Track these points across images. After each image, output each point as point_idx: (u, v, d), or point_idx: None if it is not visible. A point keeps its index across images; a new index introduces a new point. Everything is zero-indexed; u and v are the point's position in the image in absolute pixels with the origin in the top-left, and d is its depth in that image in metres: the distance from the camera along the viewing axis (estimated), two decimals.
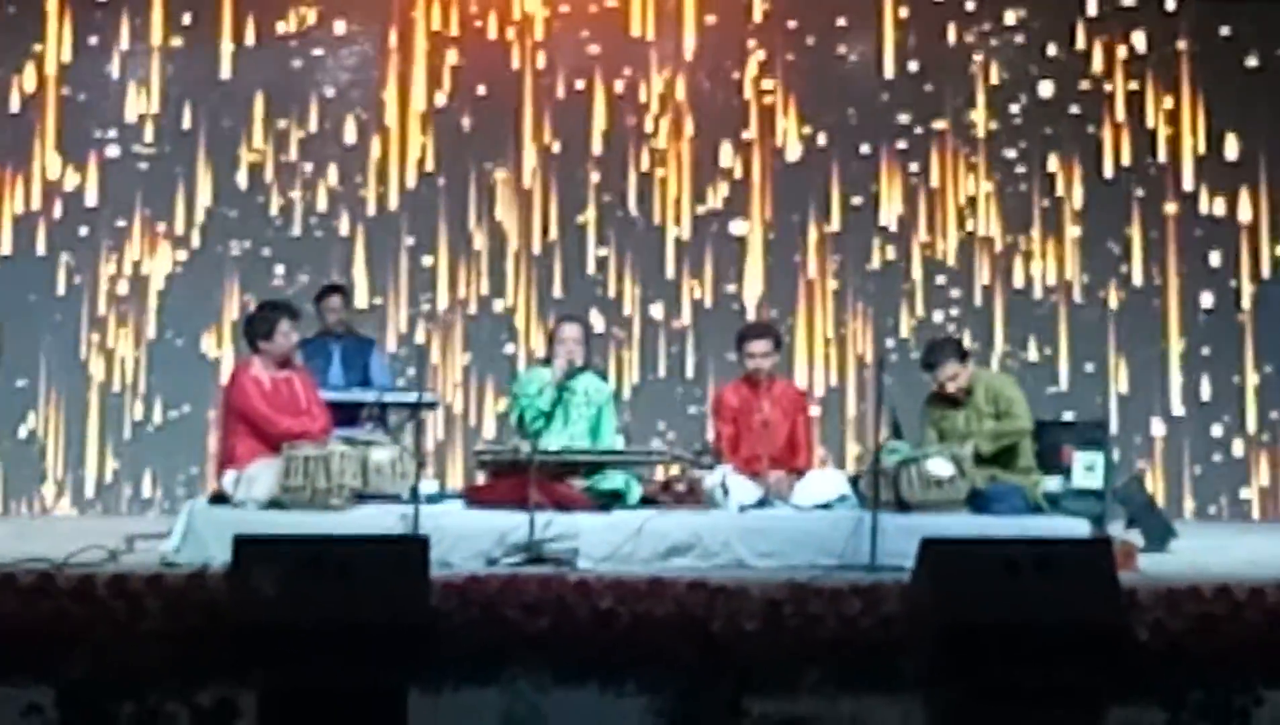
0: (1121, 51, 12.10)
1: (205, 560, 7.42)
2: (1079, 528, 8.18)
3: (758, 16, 12.04)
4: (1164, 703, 5.00)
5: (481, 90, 11.94)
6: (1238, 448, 11.99)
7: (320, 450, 8.27)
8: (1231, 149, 12.07)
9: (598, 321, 11.39)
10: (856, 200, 12.04)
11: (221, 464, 8.65)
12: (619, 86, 12.00)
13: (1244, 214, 12.07)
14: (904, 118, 12.06)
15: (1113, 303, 12.05)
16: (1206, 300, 12.03)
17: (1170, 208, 12.09)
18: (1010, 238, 12.09)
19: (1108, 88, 12.10)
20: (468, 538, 8.04)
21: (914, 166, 12.05)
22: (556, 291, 11.85)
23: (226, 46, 11.75)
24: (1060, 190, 12.08)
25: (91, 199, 11.68)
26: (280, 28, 11.83)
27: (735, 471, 8.64)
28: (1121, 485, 9.61)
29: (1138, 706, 5.09)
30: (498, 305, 11.87)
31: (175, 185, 11.72)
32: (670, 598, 6.39)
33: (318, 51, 11.88)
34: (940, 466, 8.37)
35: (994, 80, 12.12)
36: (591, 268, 11.93)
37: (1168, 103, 12.10)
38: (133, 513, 11.27)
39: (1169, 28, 12.12)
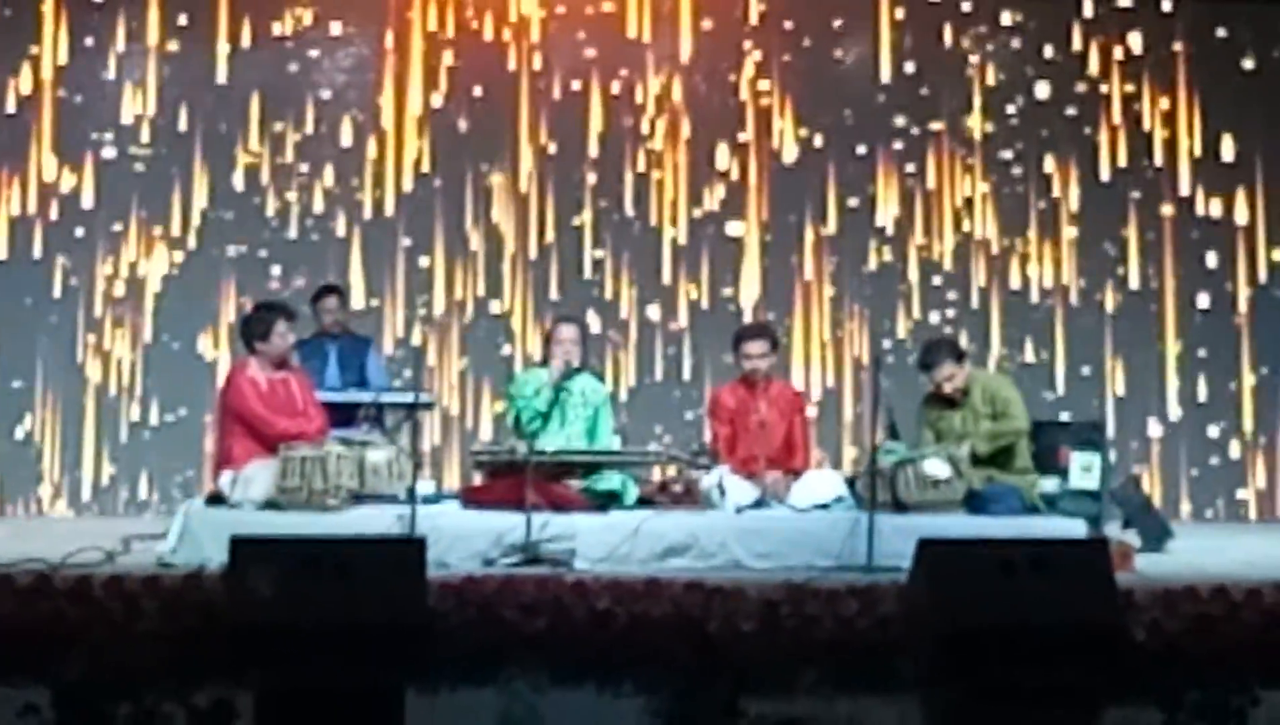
0: (1118, 53, 12.11)
1: (202, 561, 7.42)
2: (1076, 528, 8.19)
3: (754, 18, 12.04)
4: (1161, 703, 5.00)
5: (478, 91, 11.93)
6: (1234, 449, 12.00)
7: (317, 451, 8.27)
8: (1228, 150, 12.09)
9: (594, 323, 11.39)
10: (853, 202, 12.04)
11: (218, 465, 8.64)
12: (615, 88, 11.99)
13: (1240, 216, 12.08)
14: (900, 119, 12.06)
15: (1109, 305, 12.05)
16: (1203, 301, 12.04)
17: (1167, 210, 12.10)
18: (1007, 241, 12.09)
19: (1104, 89, 12.11)
20: (464, 538, 8.04)
21: (910, 167, 12.05)
22: (553, 294, 11.85)
23: (223, 48, 11.74)
24: (1057, 191, 12.09)
25: (88, 201, 11.66)
26: (276, 29, 11.82)
27: (732, 472, 8.65)
28: (1118, 486, 9.63)
29: (1134, 707, 5.10)
30: (494, 307, 11.86)
31: (171, 187, 11.71)
32: (667, 598, 6.39)
33: (314, 53, 11.87)
34: (937, 467, 8.37)
35: (990, 82, 12.12)
36: (588, 269, 11.93)
37: (1164, 104, 12.12)
38: (129, 515, 11.25)
39: (1165, 29, 12.13)
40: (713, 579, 6.87)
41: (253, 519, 7.93)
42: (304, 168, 11.80)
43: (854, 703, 5.25)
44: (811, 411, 10.82)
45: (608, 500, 8.48)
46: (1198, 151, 12.11)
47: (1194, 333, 12.06)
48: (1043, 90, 12.08)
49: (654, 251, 11.97)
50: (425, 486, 8.90)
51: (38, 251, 11.61)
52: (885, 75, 12.08)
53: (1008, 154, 12.11)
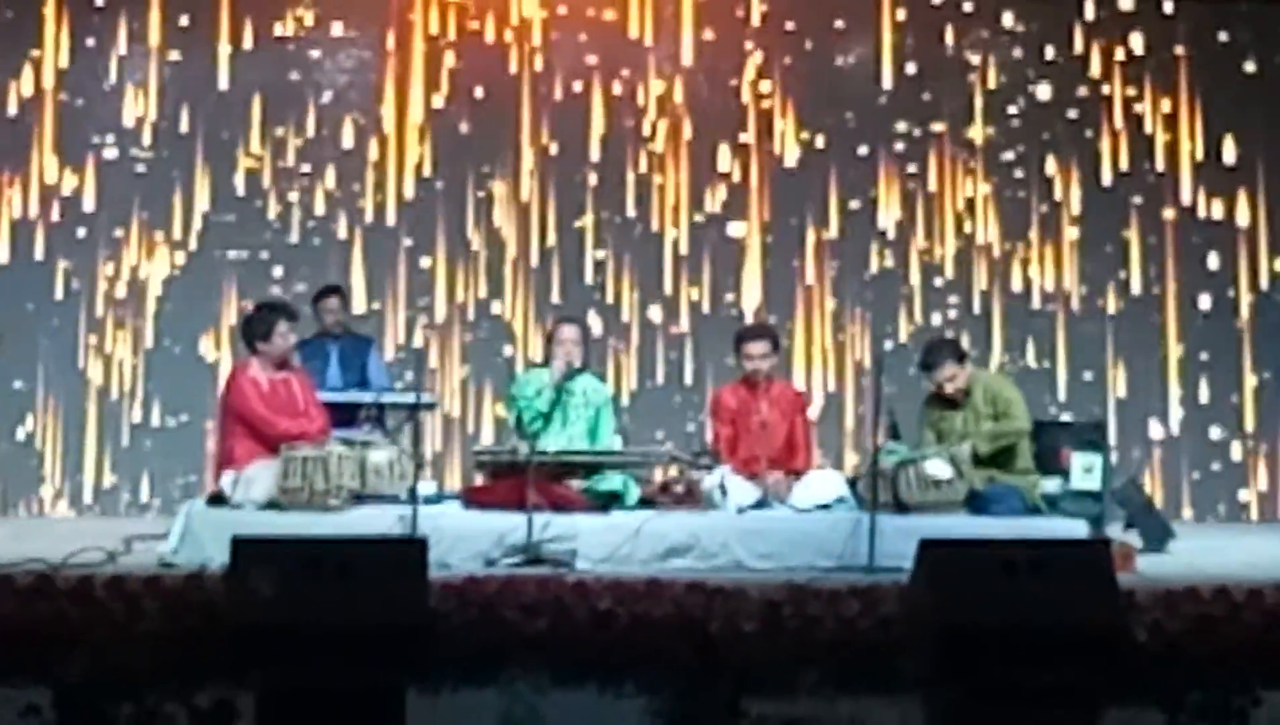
0: (1119, 54, 12.10)
1: (203, 561, 7.43)
2: (1077, 529, 8.19)
3: (755, 20, 12.03)
4: (1162, 703, 5.01)
5: (479, 93, 11.93)
6: (1236, 452, 11.99)
7: (318, 451, 8.28)
8: (1229, 153, 12.08)
9: (595, 326, 11.38)
10: (854, 204, 12.03)
11: (220, 465, 8.65)
12: (617, 89, 11.99)
13: (1242, 218, 12.08)
14: (902, 120, 12.06)
15: (1111, 308, 12.05)
16: (1204, 303, 12.03)
17: (1168, 213, 12.09)
18: (1009, 244, 12.08)
19: (1105, 90, 12.10)
20: (466, 539, 8.04)
21: (912, 169, 12.05)
22: (554, 297, 11.84)
23: (224, 49, 11.74)
24: (1058, 194, 12.08)
25: (89, 204, 11.66)
26: (278, 30, 11.82)
27: (733, 473, 8.65)
28: (1120, 487, 9.62)
29: (1136, 707, 5.10)
30: (495, 308, 11.86)
31: (173, 189, 11.70)
32: (668, 599, 6.39)
33: (315, 54, 11.87)
34: (938, 468, 8.38)
35: (991, 84, 12.12)
36: (589, 272, 11.92)
37: (1165, 106, 12.11)
38: (130, 516, 11.24)
39: (1167, 32, 12.13)
40: (714, 579, 6.87)
41: (254, 519, 7.93)
42: (305, 169, 11.79)
43: (856, 703, 5.25)
44: (813, 413, 10.80)
45: (609, 501, 8.49)
46: (1199, 155, 12.10)
47: (1195, 336, 12.05)
48: (1044, 92, 12.08)
49: (655, 254, 11.96)
50: (427, 487, 8.90)
51: (39, 254, 11.61)
52: (887, 77, 12.08)
53: (1009, 156, 12.10)
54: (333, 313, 10.21)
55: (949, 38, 12.10)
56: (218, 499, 8.45)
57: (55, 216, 11.63)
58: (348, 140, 11.84)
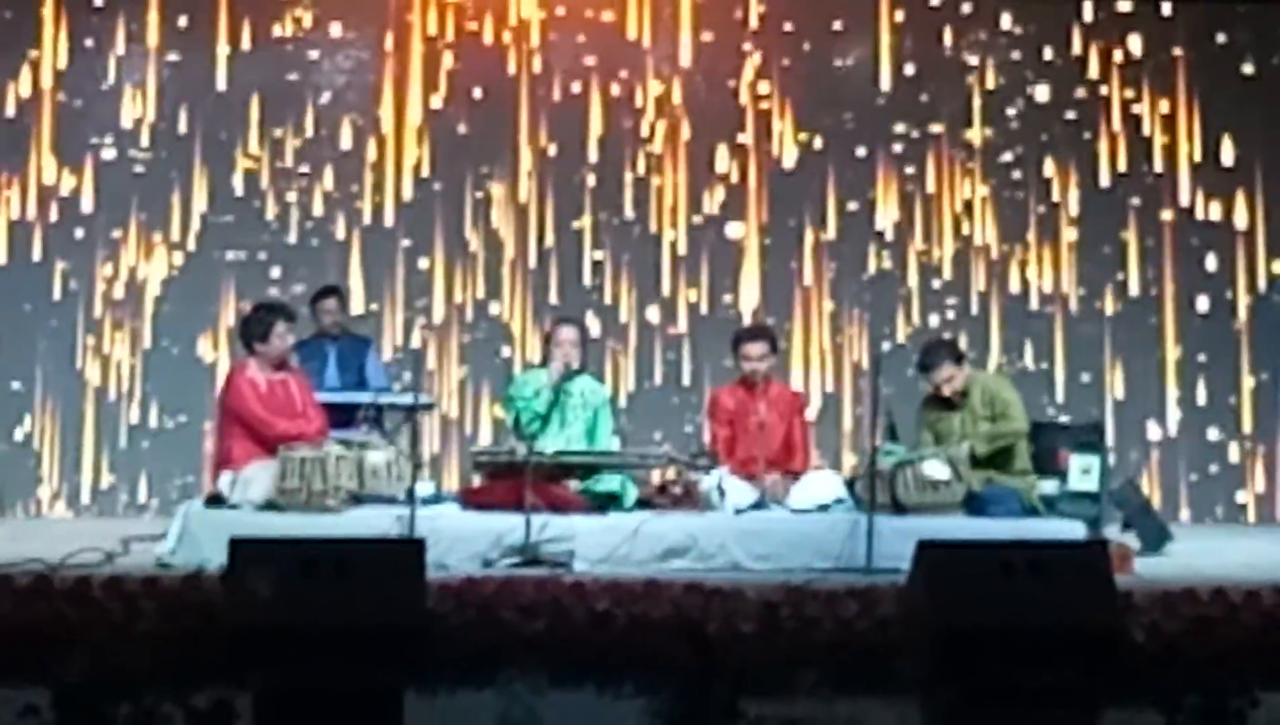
0: (1118, 56, 12.11)
1: (201, 562, 7.42)
2: (1075, 530, 8.19)
3: (754, 20, 12.03)
4: (1160, 705, 5.00)
5: (478, 94, 11.93)
6: (1234, 453, 12.00)
7: (316, 452, 8.28)
8: (1227, 155, 12.08)
9: (594, 327, 11.38)
10: (852, 206, 12.03)
11: (217, 466, 8.65)
12: (615, 90, 11.99)
13: (1240, 220, 12.08)
14: (900, 121, 12.06)
15: (1109, 309, 12.05)
16: (1202, 304, 12.04)
17: (1166, 214, 12.09)
18: (1006, 246, 12.08)
19: (1103, 91, 12.11)
20: (464, 540, 8.05)
21: (910, 170, 12.05)
22: (552, 298, 11.84)
23: (222, 50, 11.74)
24: (1056, 196, 12.08)
25: (87, 204, 11.66)
26: (276, 31, 11.82)
27: (731, 474, 8.65)
28: (1117, 488, 9.62)
29: (1134, 709, 5.09)
30: (494, 309, 11.85)
31: (171, 190, 11.70)
32: (666, 600, 6.39)
33: (313, 54, 11.87)
34: (936, 469, 8.39)
35: (990, 85, 12.12)
36: (587, 273, 11.92)
37: (1164, 107, 12.11)
38: (128, 517, 11.24)
39: (1165, 34, 12.13)
40: (712, 580, 6.88)
41: (252, 520, 7.94)
42: (304, 170, 11.79)
43: (853, 704, 5.25)
44: (811, 414, 10.80)
45: (607, 502, 8.49)
46: (1197, 156, 12.11)
47: (1193, 337, 12.05)
48: (1043, 94, 12.09)
49: (653, 255, 11.96)
50: (424, 488, 8.89)
51: (37, 254, 11.61)
52: (885, 78, 12.08)
53: (1007, 157, 12.10)
54: (331, 313, 10.21)
55: (947, 39, 12.10)
56: (215, 500, 8.45)
57: (53, 217, 11.63)
58: (346, 141, 11.84)
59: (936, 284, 12.02)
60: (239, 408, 8.49)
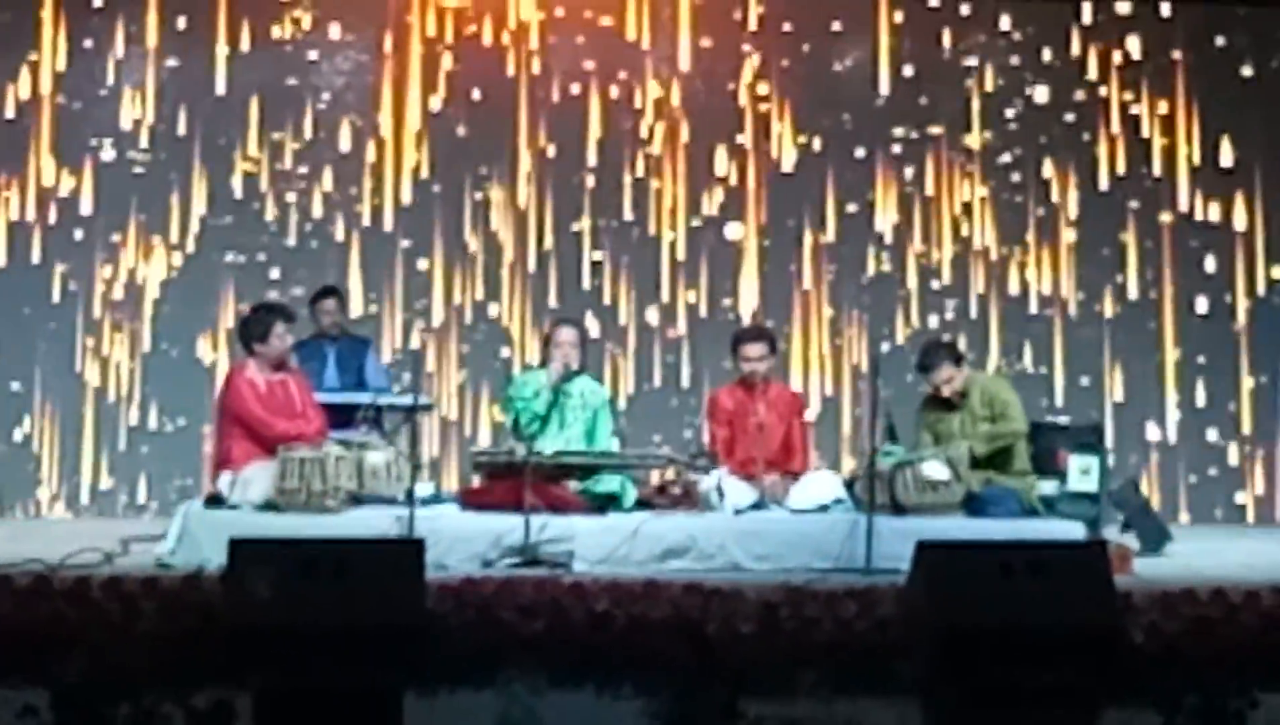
0: (1117, 58, 12.11)
1: (200, 562, 7.42)
2: (1074, 531, 8.19)
3: (753, 22, 12.04)
4: (1159, 705, 5.00)
5: (477, 96, 11.93)
6: (1233, 455, 12.00)
7: (316, 453, 8.28)
8: (1226, 157, 12.09)
9: (593, 328, 11.37)
10: (851, 207, 12.03)
11: (217, 466, 8.65)
12: (614, 92, 11.99)
13: (1239, 222, 12.08)
14: (899, 122, 12.06)
15: (1108, 312, 12.05)
16: (1201, 305, 12.04)
17: (1165, 217, 12.10)
18: (1005, 248, 12.08)
19: (1102, 92, 12.11)
20: (463, 540, 8.05)
21: (909, 173, 12.05)
22: (552, 300, 11.83)
23: (221, 51, 11.73)
24: (1055, 197, 12.09)
25: (86, 206, 11.66)
26: (275, 32, 11.82)
27: (731, 474, 8.66)
28: (1117, 488, 9.63)
29: (1133, 709, 5.09)
30: (493, 311, 11.85)
31: (170, 192, 11.70)
32: (666, 600, 6.39)
33: (312, 55, 11.86)
34: (935, 469, 8.39)
35: (988, 86, 12.12)
36: (587, 275, 11.91)
37: (1162, 109, 12.12)
38: (127, 517, 11.23)
39: (1164, 36, 12.14)
40: (711, 581, 6.87)
41: (251, 520, 7.94)
42: (303, 171, 11.79)
43: (853, 705, 5.25)
44: (810, 416, 10.79)
45: (606, 502, 8.49)
46: (1196, 158, 12.12)
47: (1192, 339, 12.05)
48: (1041, 95, 12.09)
49: (653, 257, 11.96)
50: (424, 488, 8.88)
51: (36, 256, 11.61)
52: (884, 79, 12.08)
53: (1006, 159, 12.11)
54: (330, 314, 10.20)
55: (946, 40, 12.11)
56: (215, 500, 8.45)
57: (52, 219, 11.63)
58: (345, 143, 11.84)
59: (936, 286, 12.02)
60: (238, 408, 8.49)
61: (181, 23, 11.75)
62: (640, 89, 12.01)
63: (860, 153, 12.05)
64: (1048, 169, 12.09)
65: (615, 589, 6.59)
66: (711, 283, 11.96)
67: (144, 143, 11.73)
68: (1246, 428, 12.02)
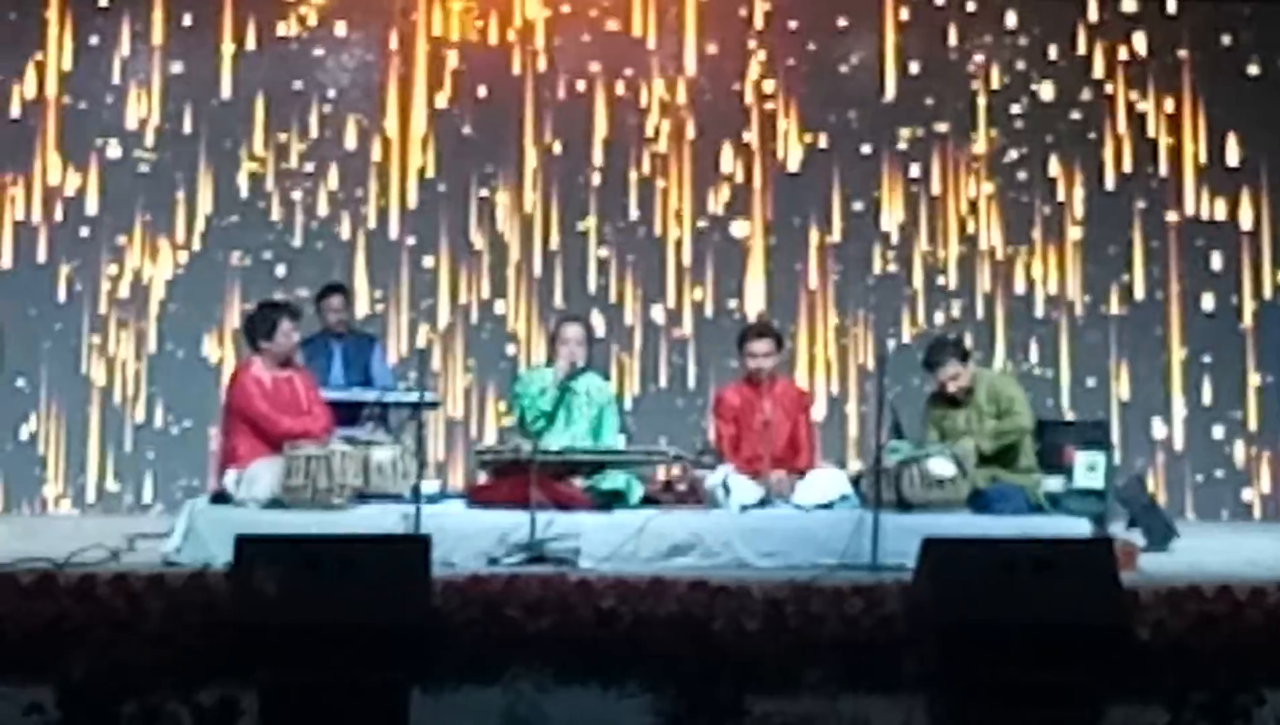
0: (1123, 55, 12.09)
1: (206, 560, 7.43)
2: (1080, 527, 8.19)
3: (759, 20, 12.02)
4: (1166, 702, 5.01)
5: (482, 94, 11.92)
6: (1239, 453, 11.98)
7: (322, 450, 8.29)
8: (1232, 156, 12.07)
9: (599, 327, 11.36)
10: (857, 206, 12.02)
11: (223, 463, 8.65)
12: (620, 90, 11.98)
13: (1245, 221, 12.07)
14: (905, 120, 12.04)
15: (1115, 310, 12.03)
16: (1208, 303, 12.02)
17: (1172, 216, 12.08)
18: (1011, 247, 12.07)
19: (1108, 90, 12.09)
20: (469, 537, 8.05)
21: (915, 171, 12.03)
22: (557, 299, 11.82)
23: (227, 49, 11.73)
24: (1061, 195, 12.07)
25: (92, 205, 11.66)
26: (281, 30, 11.81)
27: (736, 471, 8.65)
28: (1123, 485, 9.62)
29: (1139, 706, 5.11)
30: (499, 308, 11.84)
31: (176, 191, 11.70)
32: (672, 597, 6.40)
33: (318, 53, 11.86)
34: (941, 466, 8.38)
35: (994, 84, 12.10)
36: (592, 274, 11.90)
37: (1169, 107, 12.10)
38: (133, 515, 11.23)
39: (1170, 34, 12.11)
40: (717, 578, 6.88)
41: (257, 518, 7.96)
42: (309, 170, 11.79)
43: (858, 701, 5.26)
44: (816, 415, 10.78)
45: (612, 499, 8.49)
46: (1202, 157, 12.09)
47: (1199, 338, 12.03)
48: (1047, 93, 12.07)
49: (658, 256, 11.95)
50: (430, 485, 8.90)
51: (42, 256, 11.61)
52: (890, 77, 12.06)
53: (1012, 156, 12.09)
54: (336, 312, 10.20)
55: (952, 38, 12.08)
56: (221, 497, 8.46)
57: (58, 218, 11.63)
58: (350, 141, 11.83)
59: (942, 284, 12.00)
60: (244, 406, 8.50)
61: (187, 20, 11.74)
62: (646, 87, 12.00)
63: (866, 150, 12.03)
64: (1054, 167, 12.07)
65: (621, 586, 6.60)
66: (717, 282, 11.95)
67: (150, 141, 11.73)
68: (1253, 426, 12.00)
